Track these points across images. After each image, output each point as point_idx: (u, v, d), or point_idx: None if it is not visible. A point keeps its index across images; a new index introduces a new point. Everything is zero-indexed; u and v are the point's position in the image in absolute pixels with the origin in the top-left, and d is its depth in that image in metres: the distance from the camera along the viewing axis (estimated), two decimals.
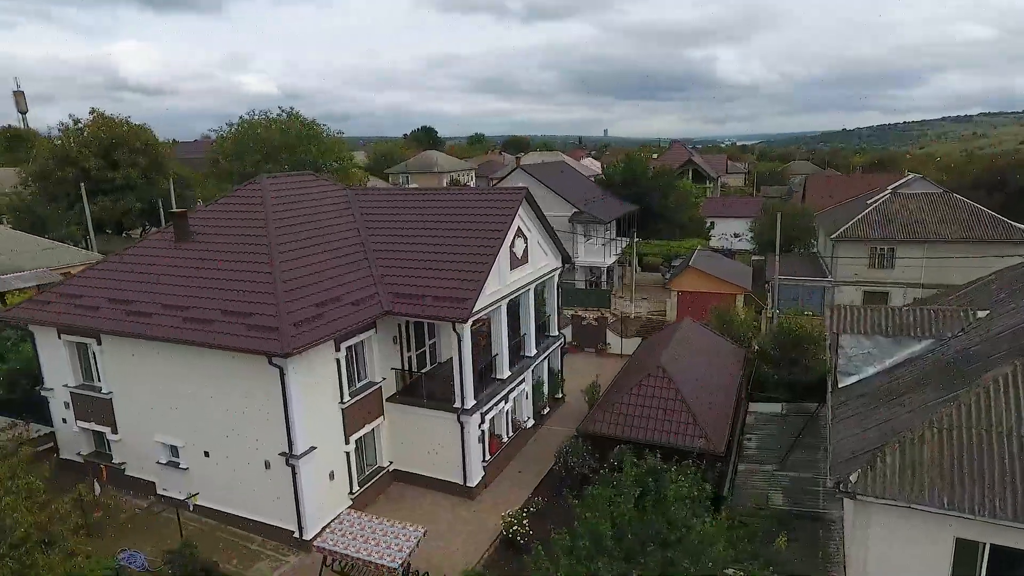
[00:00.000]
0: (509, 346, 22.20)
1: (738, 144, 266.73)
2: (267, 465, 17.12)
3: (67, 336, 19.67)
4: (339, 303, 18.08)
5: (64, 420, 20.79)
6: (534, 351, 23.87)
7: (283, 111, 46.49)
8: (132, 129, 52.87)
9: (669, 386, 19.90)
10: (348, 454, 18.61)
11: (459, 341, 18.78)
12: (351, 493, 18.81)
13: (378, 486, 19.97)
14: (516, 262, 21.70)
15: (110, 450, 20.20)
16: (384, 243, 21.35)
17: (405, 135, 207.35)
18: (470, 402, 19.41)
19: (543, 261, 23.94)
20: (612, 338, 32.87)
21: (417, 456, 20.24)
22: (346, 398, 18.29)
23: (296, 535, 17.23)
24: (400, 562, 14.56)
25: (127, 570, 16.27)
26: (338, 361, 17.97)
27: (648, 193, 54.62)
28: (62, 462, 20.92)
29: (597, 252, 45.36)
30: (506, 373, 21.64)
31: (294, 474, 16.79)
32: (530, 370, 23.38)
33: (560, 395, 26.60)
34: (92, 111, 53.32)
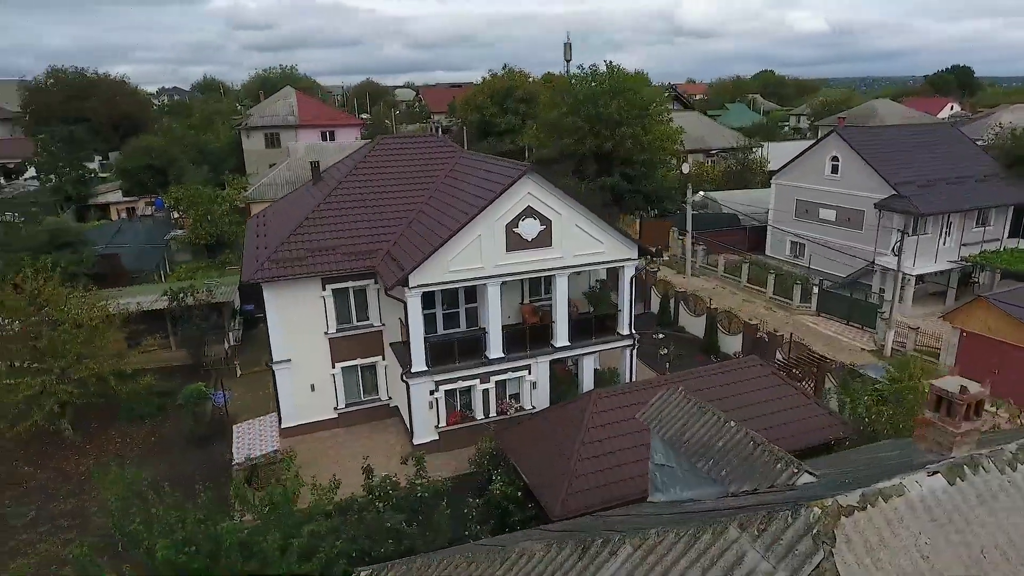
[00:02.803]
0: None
1: None
2: (266, 363, 22.54)
3: None
4: (333, 252, 21.45)
5: None
6: (565, 342, 22.12)
7: (608, 63, 47.78)
8: (521, 79, 62.82)
9: (578, 420, 16.60)
10: (334, 376, 22.44)
11: (405, 307, 19.92)
12: (336, 408, 22.77)
13: (370, 413, 23.22)
14: (521, 244, 20.51)
15: None
16: (429, 206, 23.11)
17: (926, 76, 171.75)
18: (417, 367, 20.47)
19: (585, 248, 21.39)
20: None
21: (400, 400, 22.53)
22: (331, 330, 21.93)
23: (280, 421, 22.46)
24: (239, 460, 18.24)
25: (208, 402, 24.47)
26: (324, 299, 21.63)
27: None
28: None
29: (925, 253, 33.52)
30: (496, 353, 21.30)
31: (273, 375, 21.80)
32: (546, 360, 21.99)
33: None
34: (504, 66, 65.51)
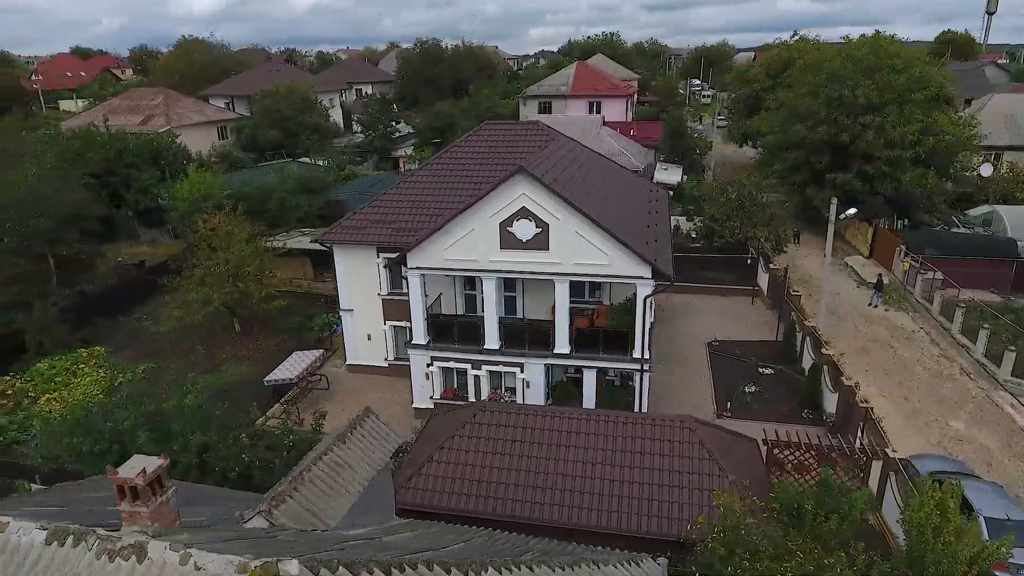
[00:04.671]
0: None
1: None
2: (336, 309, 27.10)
3: None
4: (387, 226, 24.46)
5: None
6: (565, 349, 21.50)
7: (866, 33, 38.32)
8: (821, 48, 54.23)
9: (455, 425, 16.85)
10: (385, 331, 25.88)
11: (407, 282, 22.07)
12: (386, 359, 26.31)
13: None
14: (516, 244, 20.50)
15: None
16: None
17: None
18: (417, 340, 22.56)
19: (587, 258, 20.08)
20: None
21: None
22: (382, 292, 25.24)
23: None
24: (268, 379, 23.22)
25: (328, 330, 30.48)
26: (378, 264, 24.92)
27: None
28: None
29: None
30: (492, 344, 21.98)
31: (341, 319, 26.36)
32: (540, 362, 21.71)
33: None
34: (794, 32, 57.28)
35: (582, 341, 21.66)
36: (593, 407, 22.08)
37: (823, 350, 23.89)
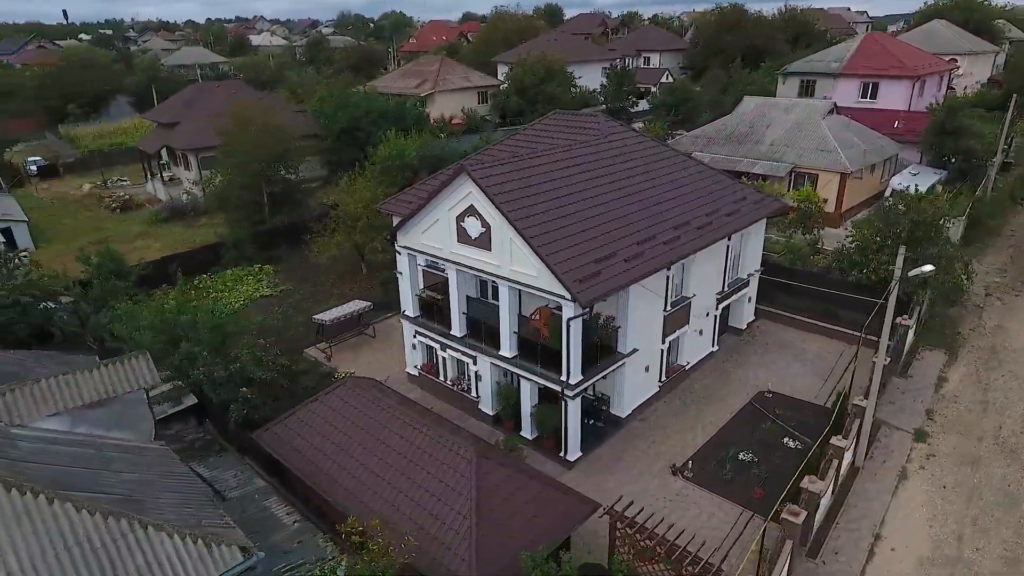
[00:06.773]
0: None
1: None
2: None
3: None
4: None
5: None
6: (508, 353, 21.13)
7: None
8: None
9: (325, 395, 18.69)
10: None
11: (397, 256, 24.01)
12: None
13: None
14: (467, 239, 20.69)
15: None
16: None
17: None
18: (407, 312, 24.44)
19: (521, 266, 19.23)
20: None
21: None
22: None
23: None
24: (316, 318, 27.73)
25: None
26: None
27: None
28: None
29: None
30: (456, 332, 22.69)
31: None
32: (487, 360, 21.69)
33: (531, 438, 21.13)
34: None
35: (527, 350, 20.94)
36: (530, 419, 21.42)
37: (834, 440, 18.50)
